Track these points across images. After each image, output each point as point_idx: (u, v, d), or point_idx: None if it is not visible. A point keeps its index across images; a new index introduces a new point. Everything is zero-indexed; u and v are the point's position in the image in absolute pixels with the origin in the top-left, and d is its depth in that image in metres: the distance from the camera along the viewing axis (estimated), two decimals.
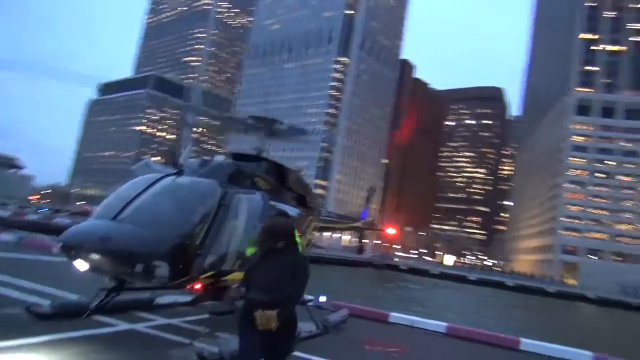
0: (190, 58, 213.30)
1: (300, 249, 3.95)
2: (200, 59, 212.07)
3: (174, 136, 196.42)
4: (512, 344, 9.34)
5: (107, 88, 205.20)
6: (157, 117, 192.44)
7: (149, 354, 5.60)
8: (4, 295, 7.36)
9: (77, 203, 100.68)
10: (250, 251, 6.72)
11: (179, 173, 6.87)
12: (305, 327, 7.31)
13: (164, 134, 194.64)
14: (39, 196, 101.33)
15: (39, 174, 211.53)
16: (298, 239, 7.09)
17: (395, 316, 10.35)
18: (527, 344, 9.27)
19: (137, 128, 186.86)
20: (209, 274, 6.24)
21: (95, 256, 5.36)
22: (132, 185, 6.57)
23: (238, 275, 6.97)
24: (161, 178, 6.58)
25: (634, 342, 25.48)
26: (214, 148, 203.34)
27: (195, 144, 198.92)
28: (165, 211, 6.00)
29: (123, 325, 6.58)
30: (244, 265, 6.73)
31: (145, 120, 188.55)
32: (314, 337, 7.56)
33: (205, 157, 7.69)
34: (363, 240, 14.75)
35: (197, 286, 6.37)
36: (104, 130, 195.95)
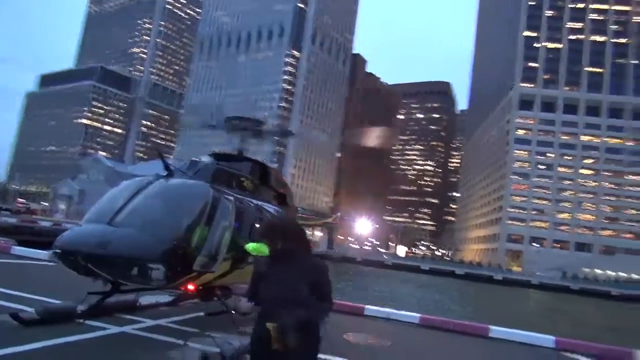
0: (136, 50, 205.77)
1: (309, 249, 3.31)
2: (147, 50, 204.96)
3: (122, 130, 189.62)
4: (482, 332, 9.85)
5: (48, 80, 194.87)
6: (103, 111, 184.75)
7: (148, 356, 5.58)
8: None
9: (19, 200, 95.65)
10: (239, 251, 6.79)
11: (169, 175, 6.83)
12: None
13: (110, 127, 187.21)
14: None
15: None
16: None
17: (371, 309, 10.66)
18: (496, 331, 9.80)
19: (82, 121, 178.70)
20: (202, 274, 6.28)
21: (94, 261, 5.29)
22: (123, 188, 6.49)
23: (234, 277, 7.04)
24: (153, 181, 6.53)
25: (579, 323, 27.25)
26: (163, 142, 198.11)
27: (144, 138, 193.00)
28: (160, 214, 5.99)
29: (113, 329, 6.49)
30: (235, 266, 6.81)
31: (90, 114, 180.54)
32: None
33: (193, 159, 7.67)
34: (334, 236, 14.99)
35: (191, 287, 6.40)
36: (46, 123, 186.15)
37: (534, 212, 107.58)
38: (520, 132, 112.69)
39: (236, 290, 8.00)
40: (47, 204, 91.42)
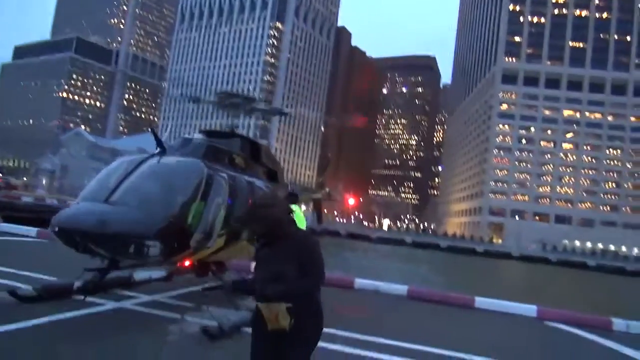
0: (114, 20, 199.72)
1: (302, 228, 3.22)
2: (125, 21, 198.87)
3: (102, 104, 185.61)
4: (468, 303, 10.19)
5: (23, 51, 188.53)
6: (82, 83, 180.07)
7: (148, 330, 5.70)
8: None
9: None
10: (233, 228, 6.89)
11: (162, 153, 6.84)
12: None
13: (90, 101, 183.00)
14: None
15: None
16: (298, 217, 7.34)
17: (360, 282, 10.90)
18: (481, 301, 10.14)
19: (60, 95, 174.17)
20: (198, 250, 6.37)
21: (92, 239, 5.33)
22: (118, 166, 6.49)
23: (228, 252, 7.15)
24: (147, 158, 6.54)
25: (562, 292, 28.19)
26: (144, 116, 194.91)
27: (125, 111, 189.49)
28: (155, 192, 6.03)
29: (110, 304, 6.59)
30: (229, 242, 6.91)
31: (68, 87, 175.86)
32: None
33: (186, 137, 7.67)
34: (322, 211, 15.16)
35: (187, 263, 6.51)
36: (22, 97, 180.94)
37: (515, 186, 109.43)
38: (503, 106, 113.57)
39: (230, 265, 8.12)
40: (26, 179, 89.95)
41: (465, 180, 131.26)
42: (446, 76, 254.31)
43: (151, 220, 5.63)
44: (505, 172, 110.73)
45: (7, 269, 8.02)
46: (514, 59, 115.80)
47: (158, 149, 6.87)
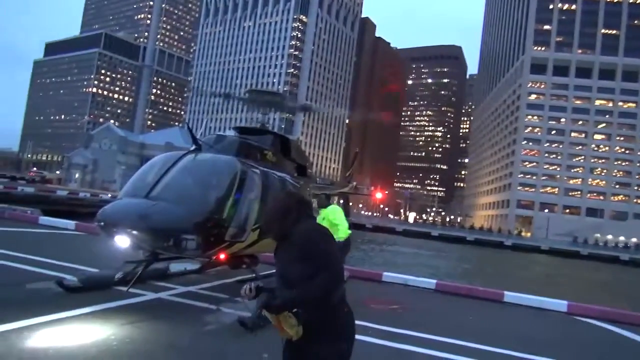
0: (141, 16, 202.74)
1: (313, 221, 2.72)
2: (152, 16, 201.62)
3: (130, 98, 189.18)
4: (497, 297, 10.17)
5: (53, 47, 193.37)
6: (110, 79, 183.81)
7: (186, 320, 5.94)
8: (26, 270, 7.47)
9: (34, 169, 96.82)
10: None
11: (198, 150, 7.11)
12: None
13: (118, 95, 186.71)
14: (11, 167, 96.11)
15: None
16: (327, 217, 7.46)
17: (389, 275, 11.00)
18: (510, 296, 10.11)
19: (90, 90, 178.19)
20: (233, 244, 6.61)
21: (134, 233, 5.60)
22: (156, 163, 6.78)
23: (260, 246, 7.36)
24: (184, 155, 6.83)
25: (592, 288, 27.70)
26: (171, 110, 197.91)
27: (152, 106, 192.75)
28: (192, 188, 6.35)
29: (149, 295, 6.87)
30: (262, 236, 7.13)
31: (97, 82, 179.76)
32: None
33: (220, 134, 7.92)
34: (349, 205, 15.27)
35: (222, 256, 6.75)
36: (54, 92, 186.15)
37: (544, 178, 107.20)
38: (532, 97, 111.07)
39: (262, 258, 8.34)
40: (59, 173, 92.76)
41: (492, 173, 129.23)
42: (473, 66, 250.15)
43: (189, 215, 5.90)
44: (534, 164, 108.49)
45: (51, 260, 8.41)
46: (543, 47, 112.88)
47: (193, 146, 7.14)
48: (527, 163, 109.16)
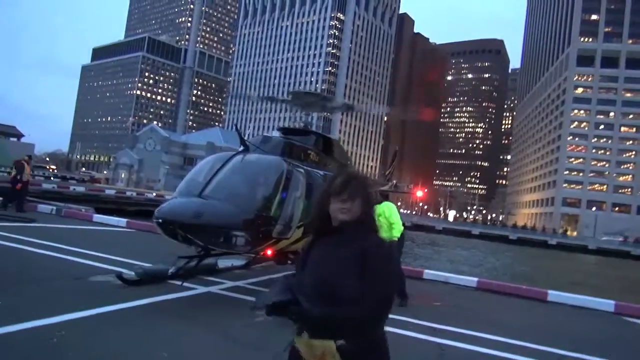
0: (182, 19, 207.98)
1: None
2: (192, 19, 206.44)
3: (172, 100, 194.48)
4: (540, 296, 10.06)
5: (100, 52, 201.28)
6: (153, 81, 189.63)
7: (236, 312, 6.26)
8: (87, 264, 8.02)
9: (83, 170, 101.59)
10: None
11: (246, 150, 7.49)
12: None
13: (161, 97, 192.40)
14: (55, 167, 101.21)
15: (39, 141, 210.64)
16: (383, 214, 7.67)
17: (429, 273, 11.07)
18: (554, 295, 9.98)
19: (134, 92, 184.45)
20: (279, 241, 6.94)
21: (189, 230, 5.97)
22: (208, 164, 7.20)
23: (305, 242, 7.63)
24: (233, 156, 7.22)
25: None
26: (211, 110, 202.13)
27: (193, 106, 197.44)
28: (242, 187, 6.75)
29: (201, 289, 7.26)
30: (306, 233, 7.38)
31: (141, 84, 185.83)
32: None
33: (266, 135, 8.28)
34: None
35: (269, 252, 7.09)
36: (100, 95, 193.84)
37: (591, 175, 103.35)
38: (579, 90, 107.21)
39: None
40: (106, 173, 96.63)
41: (536, 170, 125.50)
42: (515, 60, 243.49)
43: (239, 213, 6.29)
44: (581, 161, 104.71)
45: (107, 255, 8.96)
46: (590, 38, 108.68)
47: (242, 147, 7.54)
48: (573, 159, 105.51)
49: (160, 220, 5.99)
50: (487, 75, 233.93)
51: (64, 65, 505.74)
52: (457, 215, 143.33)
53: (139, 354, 4.42)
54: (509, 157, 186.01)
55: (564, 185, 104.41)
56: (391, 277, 2.07)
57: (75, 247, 9.35)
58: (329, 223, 2.00)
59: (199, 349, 4.71)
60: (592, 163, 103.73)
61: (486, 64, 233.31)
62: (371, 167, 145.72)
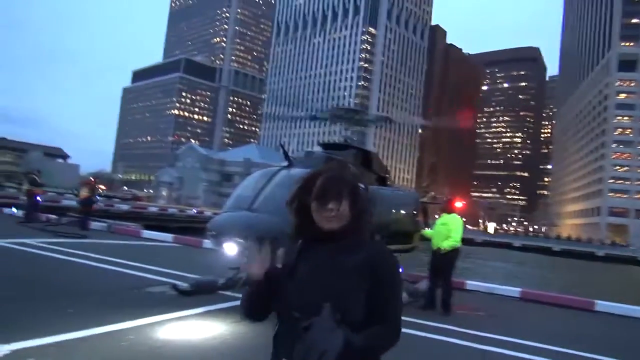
0: (217, 39, 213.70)
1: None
2: (226, 39, 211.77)
3: (209, 118, 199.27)
4: (587, 306, 9.88)
5: (139, 75, 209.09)
6: (190, 100, 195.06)
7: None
8: (141, 276, 8.51)
9: (125, 188, 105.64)
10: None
11: (290, 165, 7.83)
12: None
13: (198, 116, 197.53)
14: (104, 187, 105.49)
15: (80, 161, 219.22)
16: (447, 224, 7.90)
17: (472, 284, 11.05)
18: (603, 305, 9.78)
19: (172, 112, 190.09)
20: None
21: (241, 242, 6.32)
22: (254, 179, 7.58)
23: None
24: (278, 171, 7.55)
25: None
26: (247, 127, 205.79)
27: (229, 124, 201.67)
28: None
29: None
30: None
31: (179, 104, 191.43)
32: (406, 305, 8.41)
33: (308, 150, 8.62)
34: (429, 216, 15.36)
35: None
36: (140, 116, 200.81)
37: (638, 183, 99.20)
38: (621, 96, 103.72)
39: None
40: (146, 191, 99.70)
41: (580, 179, 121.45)
42: (552, 67, 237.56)
43: (286, 225, 6.55)
44: (627, 169, 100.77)
45: (158, 268, 9.45)
46: (631, 43, 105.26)
47: (286, 162, 7.88)
48: (618, 167, 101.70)
49: (213, 233, 6.37)
50: (523, 84, 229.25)
51: (105, 88, 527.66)
52: (498, 227, 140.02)
53: (198, 355, 4.74)
54: (549, 166, 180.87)
55: (610, 194, 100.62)
56: (401, 291, 1.68)
57: (128, 261, 9.90)
58: (316, 228, 1.62)
59: (252, 349, 5.00)
60: (639, 171, 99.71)
61: (522, 73, 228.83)
62: (406, 179, 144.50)
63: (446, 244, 8.11)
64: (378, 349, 1.52)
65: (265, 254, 1.62)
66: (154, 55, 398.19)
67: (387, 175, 10.65)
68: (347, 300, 1.48)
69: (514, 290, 10.75)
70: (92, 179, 16.83)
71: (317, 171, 1.69)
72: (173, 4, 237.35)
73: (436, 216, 8.92)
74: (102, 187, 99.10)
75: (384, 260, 1.58)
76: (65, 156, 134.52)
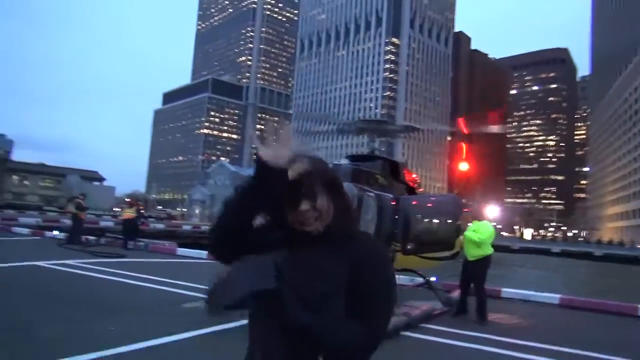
0: (243, 58, 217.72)
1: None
2: (252, 57, 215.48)
3: (237, 136, 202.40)
4: (630, 311, 9.56)
5: (170, 96, 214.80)
6: (219, 119, 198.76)
7: None
8: (178, 293, 8.74)
9: (159, 208, 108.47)
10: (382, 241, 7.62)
11: None
12: (436, 305, 8.27)
13: (227, 134, 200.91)
14: (143, 208, 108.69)
15: (118, 183, 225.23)
16: (477, 230, 7.90)
17: (507, 291, 10.85)
18: None
19: (202, 132, 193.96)
20: None
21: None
22: None
23: None
24: None
25: None
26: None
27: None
28: None
29: None
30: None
31: (208, 123, 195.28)
32: (441, 314, 8.34)
33: (336, 162, 8.70)
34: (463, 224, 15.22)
35: None
36: (171, 136, 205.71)
37: None
38: None
39: None
40: (185, 210, 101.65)
41: (620, 180, 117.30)
42: (583, 68, 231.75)
43: None
44: None
45: (194, 284, 9.65)
46: None
47: None
48: None
49: None
50: (553, 86, 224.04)
51: (137, 111, 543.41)
52: (535, 233, 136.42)
53: None
54: (585, 169, 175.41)
55: None
56: (392, 289, 1.38)
57: (164, 278, 10.17)
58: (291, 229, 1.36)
59: None
60: None
61: (551, 75, 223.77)
62: (437, 188, 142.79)
63: (477, 252, 8.04)
64: (347, 344, 1.25)
65: (286, 135, 1.29)
66: (183, 76, 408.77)
67: (414, 185, 10.61)
68: (324, 296, 1.27)
69: (553, 297, 10.50)
70: (138, 202, 17.75)
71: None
72: (199, 27, 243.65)
73: (468, 224, 8.81)
74: (142, 208, 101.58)
75: (370, 260, 1.34)
76: (101, 179, 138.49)
